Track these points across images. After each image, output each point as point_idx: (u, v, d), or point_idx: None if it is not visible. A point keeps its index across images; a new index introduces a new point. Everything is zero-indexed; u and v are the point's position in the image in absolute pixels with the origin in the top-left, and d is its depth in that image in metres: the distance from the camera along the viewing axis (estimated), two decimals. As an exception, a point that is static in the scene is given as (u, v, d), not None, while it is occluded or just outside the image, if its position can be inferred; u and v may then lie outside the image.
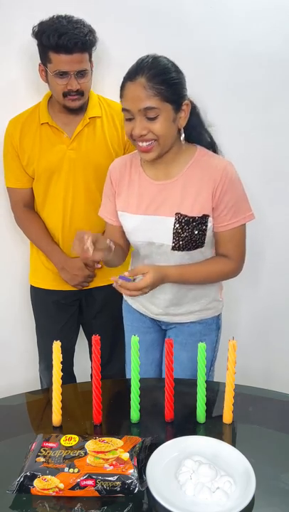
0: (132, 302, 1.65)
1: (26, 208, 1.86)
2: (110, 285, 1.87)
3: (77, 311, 1.97)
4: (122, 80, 1.31)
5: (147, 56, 1.30)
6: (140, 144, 1.32)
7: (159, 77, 1.26)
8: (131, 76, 1.28)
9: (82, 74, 1.62)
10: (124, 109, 1.31)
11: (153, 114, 1.27)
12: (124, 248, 1.57)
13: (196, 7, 1.82)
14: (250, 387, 1.39)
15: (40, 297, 1.96)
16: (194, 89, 1.88)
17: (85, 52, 1.60)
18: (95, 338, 1.18)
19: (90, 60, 1.66)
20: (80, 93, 1.65)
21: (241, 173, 1.43)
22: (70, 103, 1.67)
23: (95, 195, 1.77)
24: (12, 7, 1.77)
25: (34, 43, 1.65)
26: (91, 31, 1.62)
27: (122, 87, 1.30)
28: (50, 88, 1.69)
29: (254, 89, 1.92)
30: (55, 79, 1.62)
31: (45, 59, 1.62)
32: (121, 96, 1.31)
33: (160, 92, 1.26)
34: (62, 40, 1.54)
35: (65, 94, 1.64)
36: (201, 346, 1.20)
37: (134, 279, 1.31)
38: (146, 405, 1.27)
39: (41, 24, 1.60)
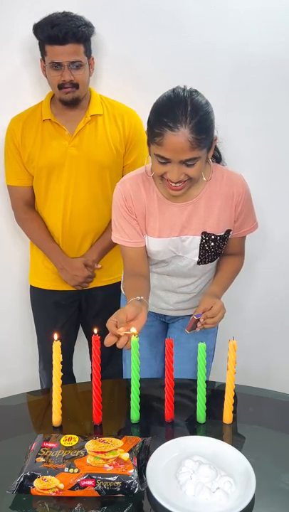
0: None
1: (27, 207, 1.86)
2: (110, 285, 1.90)
3: (77, 311, 1.97)
4: (154, 116, 1.21)
5: (184, 97, 1.20)
6: (173, 184, 1.27)
7: (202, 125, 1.19)
8: (171, 125, 1.17)
9: (76, 66, 1.62)
10: (159, 155, 1.23)
11: (193, 162, 1.22)
12: (147, 275, 1.46)
13: (195, 7, 1.82)
14: (250, 387, 1.40)
15: (39, 297, 1.95)
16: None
17: (78, 43, 1.61)
18: (95, 338, 1.18)
19: (87, 54, 1.66)
20: (75, 85, 1.65)
21: (242, 173, 1.44)
22: (65, 95, 1.67)
23: (95, 194, 1.77)
24: (14, 6, 1.78)
25: (36, 40, 1.66)
26: (86, 24, 1.62)
27: (160, 135, 1.19)
28: (48, 82, 1.70)
29: (254, 89, 1.91)
30: (50, 71, 1.64)
31: (42, 53, 1.65)
32: (157, 142, 1.21)
33: (202, 142, 1.20)
34: (54, 31, 1.56)
35: (60, 87, 1.65)
36: (201, 346, 1.19)
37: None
38: (146, 405, 1.27)
39: (40, 20, 1.63)
